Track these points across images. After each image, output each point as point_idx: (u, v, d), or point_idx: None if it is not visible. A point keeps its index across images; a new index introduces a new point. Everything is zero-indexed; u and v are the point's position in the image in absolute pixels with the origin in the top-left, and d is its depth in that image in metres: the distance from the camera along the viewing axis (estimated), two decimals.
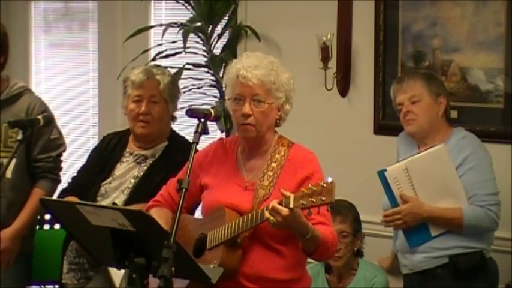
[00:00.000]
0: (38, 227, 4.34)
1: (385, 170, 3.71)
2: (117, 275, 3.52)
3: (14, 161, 3.88)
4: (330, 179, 2.79)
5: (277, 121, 3.14)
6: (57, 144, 4.08)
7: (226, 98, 3.17)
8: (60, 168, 4.12)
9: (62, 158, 4.12)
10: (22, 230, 3.96)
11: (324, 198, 2.77)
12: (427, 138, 3.79)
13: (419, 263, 3.75)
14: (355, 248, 4.10)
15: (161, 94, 3.78)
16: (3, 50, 3.95)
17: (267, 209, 2.87)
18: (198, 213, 3.48)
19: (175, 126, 3.98)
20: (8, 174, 3.91)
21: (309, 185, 2.81)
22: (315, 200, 2.78)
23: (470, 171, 3.68)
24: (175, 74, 4.86)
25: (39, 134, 3.96)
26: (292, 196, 2.82)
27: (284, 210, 2.82)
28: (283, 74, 3.11)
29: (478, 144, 3.79)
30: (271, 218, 2.85)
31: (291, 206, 2.81)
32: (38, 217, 4.24)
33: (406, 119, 3.80)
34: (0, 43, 3.93)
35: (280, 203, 2.84)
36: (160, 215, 3.18)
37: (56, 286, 4.32)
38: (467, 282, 3.68)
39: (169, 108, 3.83)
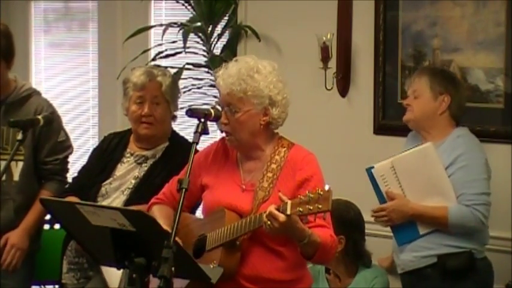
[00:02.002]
0: None
1: (373, 168, 3.72)
2: (111, 278, 3.53)
3: (21, 163, 3.90)
4: (327, 187, 2.79)
5: (262, 126, 3.10)
6: (65, 147, 4.09)
7: None
8: (67, 170, 4.14)
9: (68, 160, 4.14)
10: (30, 230, 3.98)
11: (320, 206, 2.77)
12: (425, 132, 3.80)
13: (409, 263, 3.76)
14: (339, 250, 3.98)
15: (163, 95, 3.79)
16: (11, 52, 3.96)
17: (265, 214, 2.87)
18: (198, 213, 3.48)
19: (175, 126, 3.98)
20: (15, 177, 3.94)
21: (307, 192, 2.81)
22: (311, 208, 2.78)
23: (460, 170, 3.68)
24: (175, 74, 4.86)
25: (47, 137, 3.98)
26: (289, 203, 2.82)
27: (281, 217, 2.81)
28: (262, 81, 3.06)
29: (472, 144, 3.79)
30: (268, 222, 2.85)
31: (288, 212, 2.81)
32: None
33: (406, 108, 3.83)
34: (9, 46, 3.94)
35: (277, 209, 2.84)
36: (161, 213, 3.21)
37: (56, 286, 4.32)
38: (456, 283, 3.68)
39: (171, 108, 3.84)
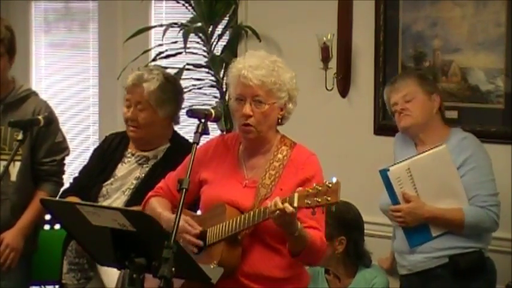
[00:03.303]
0: None
1: (388, 170, 3.72)
2: (109, 279, 3.52)
3: (18, 164, 3.90)
4: (334, 179, 2.79)
5: (280, 120, 3.14)
6: (62, 148, 4.09)
7: (231, 97, 3.18)
8: (63, 172, 4.13)
9: (65, 162, 4.14)
10: (25, 230, 3.97)
11: (329, 198, 2.77)
12: (422, 134, 3.80)
13: (418, 263, 3.76)
14: (337, 252, 4.00)
15: (147, 101, 3.75)
16: (15, 47, 3.97)
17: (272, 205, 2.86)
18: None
19: (175, 126, 3.97)
20: (13, 177, 3.93)
21: (314, 185, 2.81)
22: (320, 200, 2.78)
23: (471, 172, 3.70)
24: (175, 74, 4.86)
25: (45, 138, 3.98)
26: (296, 195, 2.82)
27: (289, 208, 2.81)
28: (286, 74, 3.10)
29: (478, 146, 3.81)
30: (277, 212, 2.83)
31: (295, 204, 2.81)
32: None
33: (400, 116, 3.80)
34: (12, 41, 3.95)
35: (284, 200, 2.83)
36: (160, 203, 3.23)
37: (56, 286, 4.32)
38: (467, 282, 3.69)
39: (159, 114, 3.75)
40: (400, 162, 3.74)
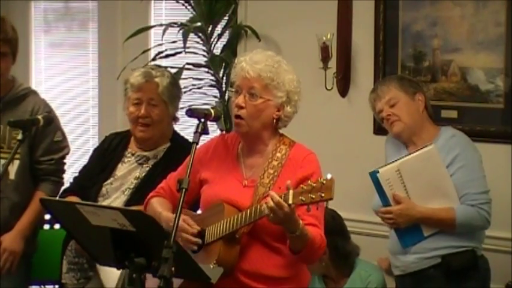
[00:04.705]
0: None
1: (377, 172, 3.72)
2: (108, 279, 3.53)
3: (17, 162, 3.90)
4: (329, 176, 2.80)
5: (276, 121, 3.13)
6: (60, 147, 4.08)
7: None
8: (63, 171, 4.12)
9: (65, 161, 4.13)
10: (24, 232, 3.96)
11: (323, 195, 2.77)
12: (414, 136, 3.80)
13: (411, 264, 3.75)
14: (323, 262, 3.98)
15: (160, 96, 3.77)
16: (17, 51, 3.98)
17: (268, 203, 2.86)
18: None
19: (175, 126, 3.98)
20: (11, 175, 3.92)
21: (308, 182, 2.81)
22: (314, 197, 2.78)
23: (460, 170, 3.69)
24: (175, 74, 4.86)
25: (42, 136, 3.98)
26: (291, 192, 2.82)
27: (285, 206, 2.81)
28: (287, 75, 3.11)
29: (467, 143, 3.80)
30: (271, 214, 2.83)
31: (290, 202, 2.81)
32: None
33: (389, 122, 3.82)
34: (17, 41, 3.96)
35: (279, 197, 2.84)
36: (161, 204, 3.23)
37: (56, 286, 4.32)
38: (460, 282, 3.69)
39: (170, 109, 3.82)
40: (390, 163, 3.74)
